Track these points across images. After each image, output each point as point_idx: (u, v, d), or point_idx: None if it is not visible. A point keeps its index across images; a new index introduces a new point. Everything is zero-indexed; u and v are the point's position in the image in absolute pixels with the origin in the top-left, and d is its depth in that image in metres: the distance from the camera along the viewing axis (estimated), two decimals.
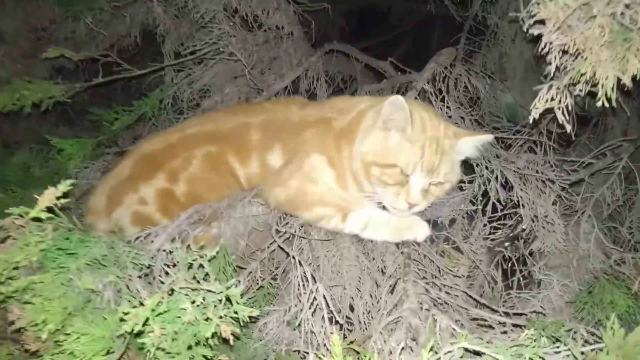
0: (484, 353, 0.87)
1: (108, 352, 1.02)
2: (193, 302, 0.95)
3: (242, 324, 0.97)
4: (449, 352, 0.88)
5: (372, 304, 1.54)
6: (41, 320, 0.97)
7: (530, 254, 1.81)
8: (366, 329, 1.45)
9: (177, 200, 1.70)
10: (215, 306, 0.94)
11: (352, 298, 1.53)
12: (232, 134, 1.74)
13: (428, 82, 2.09)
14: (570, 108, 1.09)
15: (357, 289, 1.56)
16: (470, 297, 1.39)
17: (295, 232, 1.62)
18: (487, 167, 1.78)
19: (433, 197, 1.55)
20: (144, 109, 2.29)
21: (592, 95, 2.36)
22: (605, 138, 2.37)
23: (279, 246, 1.54)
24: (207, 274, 1.12)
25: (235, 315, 0.97)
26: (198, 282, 1.11)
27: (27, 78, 1.82)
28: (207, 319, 0.94)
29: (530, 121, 1.08)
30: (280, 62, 2.55)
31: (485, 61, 2.71)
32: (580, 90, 1.17)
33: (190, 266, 1.14)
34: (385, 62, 2.64)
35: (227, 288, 0.99)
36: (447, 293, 1.40)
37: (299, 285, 1.34)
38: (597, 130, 2.56)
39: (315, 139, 1.61)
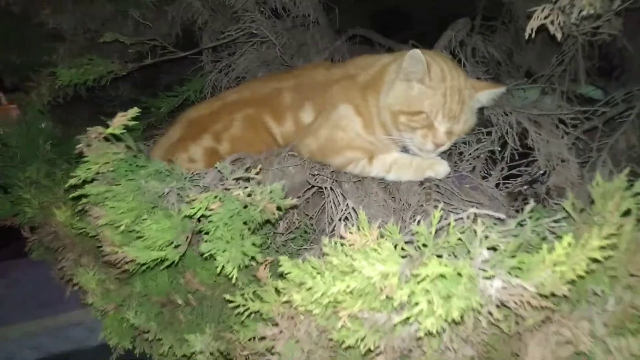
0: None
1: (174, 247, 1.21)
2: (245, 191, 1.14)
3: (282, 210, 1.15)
4: (460, 218, 1.03)
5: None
6: (118, 216, 1.17)
7: (549, 195, 1.93)
8: None
9: (221, 157, 1.90)
10: (261, 192, 1.12)
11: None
12: (267, 98, 1.94)
13: (445, 49, 2.26)
14: (562, 25, 1.24)
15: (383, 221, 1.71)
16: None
17: (327, 177, 1.80)
18: (505, 114, 1.92)
19: (455, 137, 1.71)
20: (187, 94, 2.54)
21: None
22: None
23: (315, 186, 1.71)
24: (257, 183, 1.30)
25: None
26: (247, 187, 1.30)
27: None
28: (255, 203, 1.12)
29: (526, 37, 1.23)
30: (307, 48, 2.77)
31: (503, 37, 2.86)
32: (575, 16, 1.33)
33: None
34: (406, 45, 2.82)
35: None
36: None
37: (331, 207, 1.51)
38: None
39: (342, 92, 1.80)
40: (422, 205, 1.58)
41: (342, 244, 1.02)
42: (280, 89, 1.94)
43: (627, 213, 0.92)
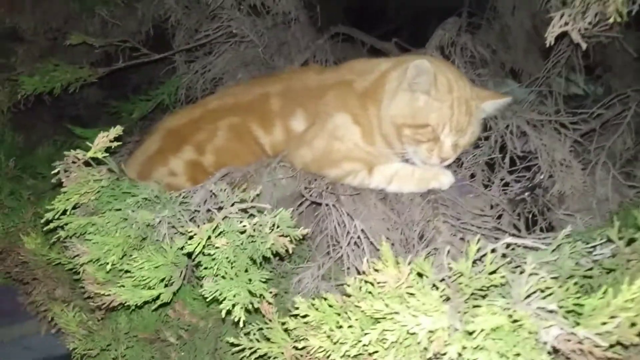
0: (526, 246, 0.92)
1: (167, 285, 1.07)
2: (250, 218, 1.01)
3: (294, 242, 1.02)
4: (493, 250, 0.93)
5: (404, 252, 1.59)
6: (103, 253, 1.02)
7: (549, 201, 1.86)
8: None
9: (205, 170, 1.75)
10: (270, 223, 0.99)
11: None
12: (252, 105, 1.80)
13: (436, 49, 2.16)
14: (582, 31, 1.15)
15: (388, 238, 1.61)
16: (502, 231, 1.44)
17: (322, 190, 1.68)
18: (503, 118, 1.84)
19: (461, 149, 1.61)
20: (161, 97, 2.36)
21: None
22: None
23: (311, 201, 1.58)
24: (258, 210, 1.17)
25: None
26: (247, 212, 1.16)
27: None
28: (262, 236, 0.99)
29: (547, 45, 1.14)
30: (288, 46, 2.62)
31: (488, 34, 2.79)
32: (590, 23, 1.25)
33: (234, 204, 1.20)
34: (389, 43, 2.72)
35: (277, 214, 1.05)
36: (478, 230, 1.45)
37: (335, 228, 1.38)
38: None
39: (337, 99, 1.67)
40: (429, 221, 1.48)
41: (366, 282, 0.90)
42: (267, 94, 1.79)
43: None
